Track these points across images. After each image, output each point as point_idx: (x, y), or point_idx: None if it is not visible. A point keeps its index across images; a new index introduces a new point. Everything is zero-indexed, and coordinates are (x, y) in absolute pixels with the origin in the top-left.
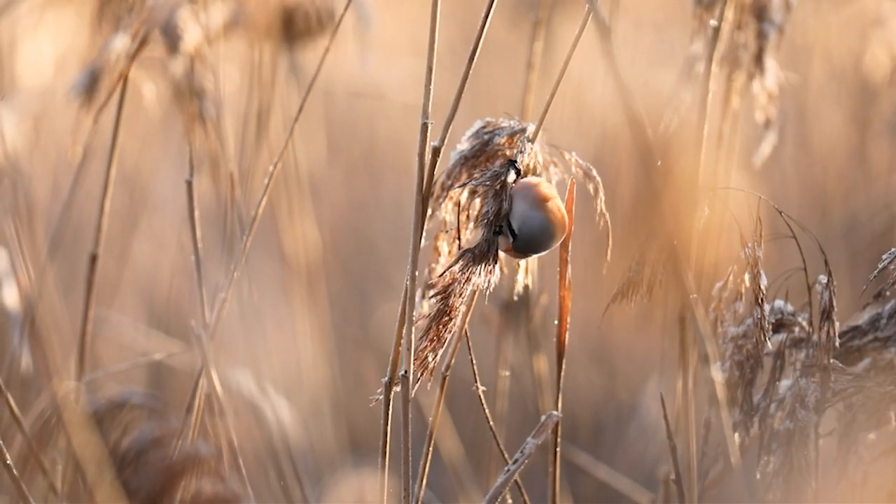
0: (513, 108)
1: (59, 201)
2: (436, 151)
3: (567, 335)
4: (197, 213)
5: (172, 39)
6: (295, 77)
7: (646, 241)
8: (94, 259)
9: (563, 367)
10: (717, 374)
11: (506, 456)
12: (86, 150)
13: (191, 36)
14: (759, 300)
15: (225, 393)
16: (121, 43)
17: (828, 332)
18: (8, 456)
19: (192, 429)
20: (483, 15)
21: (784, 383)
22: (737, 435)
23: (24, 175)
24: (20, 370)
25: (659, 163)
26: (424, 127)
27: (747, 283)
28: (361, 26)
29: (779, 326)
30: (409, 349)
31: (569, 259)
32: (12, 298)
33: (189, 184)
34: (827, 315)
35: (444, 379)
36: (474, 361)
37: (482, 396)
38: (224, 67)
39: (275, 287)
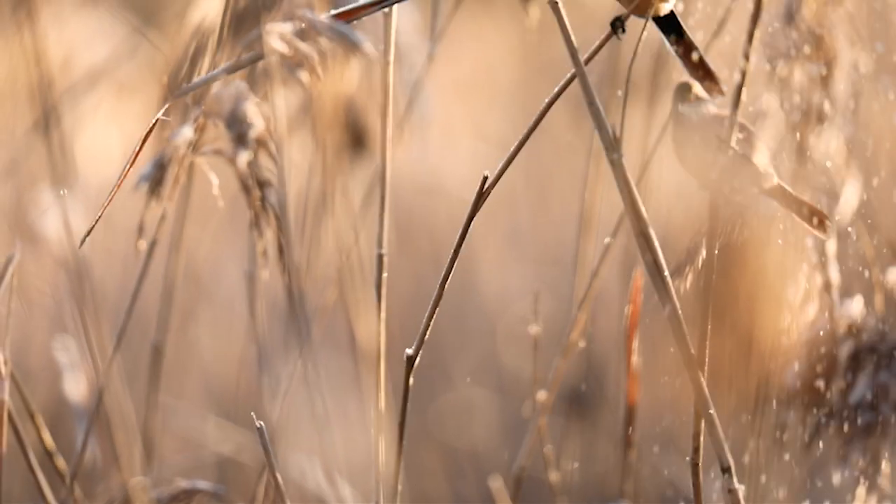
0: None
1: (126, 292)
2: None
3: (635, 424)
4: (262, 304)
5: (237, 131)
6: (358, 168)
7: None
8: (158, 350)
9: (632, 457)
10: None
11: None
12: (152, 242)
13: (256, 127)
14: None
15: (289, 484)
16: (187, 134)
17: None
18: None
19: None
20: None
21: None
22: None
23: (90, 267)
24: (85, 463)
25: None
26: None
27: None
28: (423, 117)
29: (853, 328)
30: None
31: (635, 349)
32: (78, 390)
33: (251, 275)
34: None
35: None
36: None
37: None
38: (289, 158)
39: (341, 378)
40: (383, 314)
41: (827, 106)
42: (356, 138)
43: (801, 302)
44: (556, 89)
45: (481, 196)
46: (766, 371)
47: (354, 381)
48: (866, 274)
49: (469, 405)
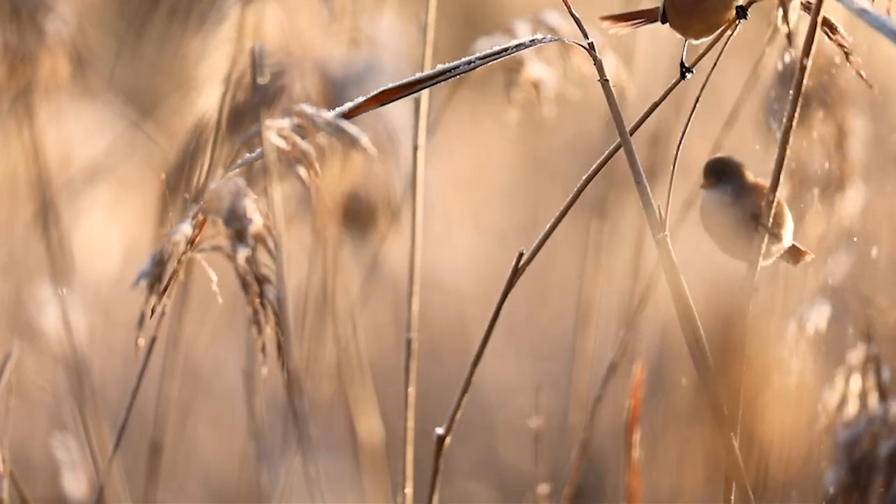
0: (573, 296)
1: (125, 388)
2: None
3: None
4: (261, 401)
5: (236, 227)
6: (358, 262)
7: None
8: (156, 446)
9: None
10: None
11: None
12: (151, 338)
13: (254, 224)
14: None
15: None
16: (185, 231)
17: None
18: None
19: None
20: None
21: None
22: None
23: (89, 363)
24: None
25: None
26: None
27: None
28: (423, 210)
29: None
30: None
31: (636, 443)
32: (78, 487)
33: (249, 372)
34: None
35: None
36: None
37: None
38: (288, 253)
39: (339, 474)
40: (411, 399)
41: (844, 170)
42: (357, 227)
43: (837, 402)
44: (597, 163)
45: (516, 273)
46: (796, 470)
47: (355, 477)
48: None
49: (469, 500)
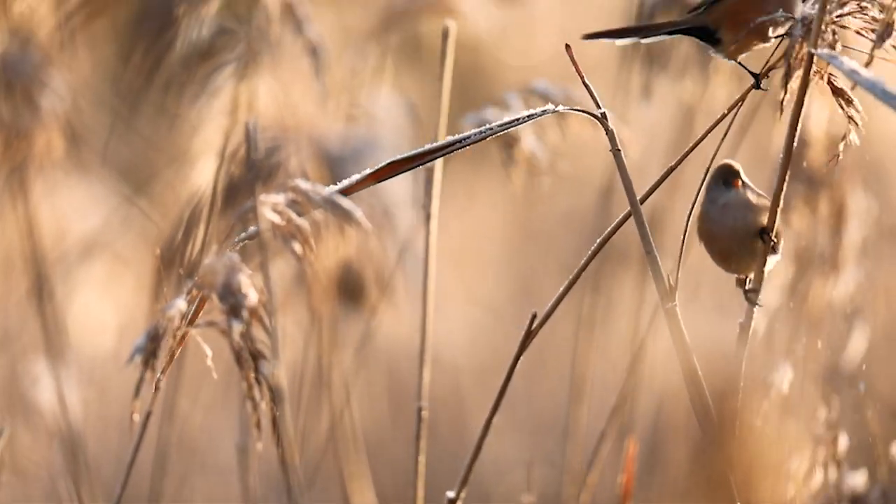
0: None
1: (121, 462)
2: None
3: None
4: (255, 476)
5: (231, 303)
6: (352, 335)
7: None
8: None
9: None
10: None
11: None
12: (147, 412)
13: (249, 299)
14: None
15: None
16: (180, 306)
17: None
18: None
19: None
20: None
21: None
22: None
23: (84, 440)
24: None
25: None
26: None
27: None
28: (415, 285)
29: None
30: None
31: None
32: None
33: (244, 448)
34: None
35: None
36: None
37: None
38: (283, 328)
39: None
40: (421, 468)
41: (838, 252)
42: (352, 300)
43: (805, 473)
44: (613, 224)
45: (529, 335)
46: None
47: None
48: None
49: None
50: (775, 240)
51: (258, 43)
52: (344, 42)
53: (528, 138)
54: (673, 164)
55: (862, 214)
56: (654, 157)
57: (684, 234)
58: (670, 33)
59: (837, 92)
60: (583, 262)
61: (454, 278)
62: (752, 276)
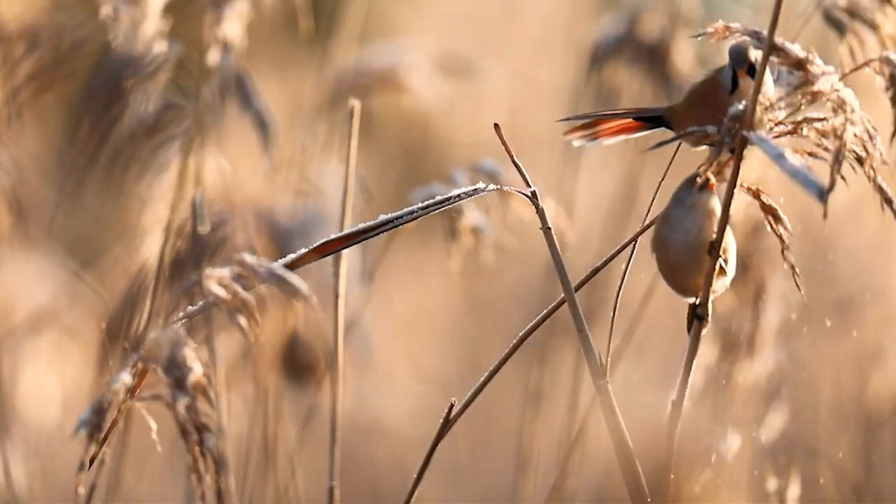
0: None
1: None
2: None
3: None
4: None
5: (176, 376)
6: (299, 410)
7: None
8: None
9: None
10: None
11: None
12: (91, 486)
13: (194, 372)
14: None
15: None
16: (125, 379)
17: None
18: None
19: None
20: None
21: None
22: None
23: None
24: None
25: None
26: None
27: None
28: (363, 358)
29: None
30: None
31: None
32: None
33: None
34: None
35: None
36: None
37: None
38: (228, 402)
39: None
40: None
41: (757, 335)
42: (297, 374)
43: None
44: (538, 317)
45: (447, 424)
46: None
47: None
48: None
49: None
50: (723, 257)
51: (206, 117)
52: (292, 116)
53: (472, 213)
54: (599, 265)
55: (785, 295)
56: (599, 224)
57: (613, 312)
58: (637, 119)
59: (767, 209)
60: (521, 334)
61: (401, 351)
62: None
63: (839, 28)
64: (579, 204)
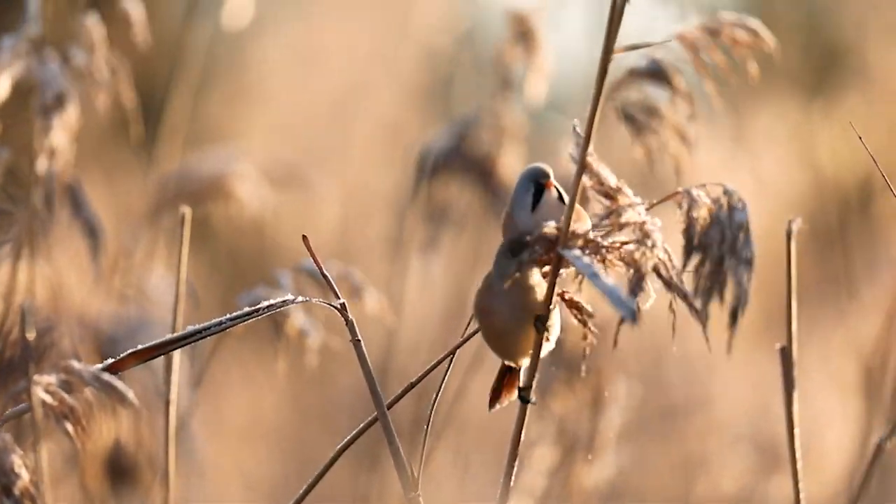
0: None
1: None
2: None
3: None
4: None
5: (2, 483)
6: None
7: None
8: None
9: None
10: None
11: None
12: None
13: (21, 479)
14: None
15: None
16: None
17: None
18: None
19: None
20: None
21: None
22: None
23: None
24: None
25: None
26: None
27: None
28: (191, 464)
29: None
30: None
31: None
32: None
33: None
34: None
35: None
36: None
37: None
38: None
39: None
40: None
41: (595, 438)
42: (123, 481)
43: None
44: (350, 436)
45: None
46: None
47: None
48: None
49: None
50: (548, 329)
51: (35, 224)
52: (120, 221)
53: (298, 317)
54: (415, 379)
55: (623, 399)
56: (432, 324)
57: (427, 424)
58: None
59: (573, 305)
60: (339, 447)
61: (230, 457)
62: (524, 368)
63: (634, 125)
64: (413, 305)
